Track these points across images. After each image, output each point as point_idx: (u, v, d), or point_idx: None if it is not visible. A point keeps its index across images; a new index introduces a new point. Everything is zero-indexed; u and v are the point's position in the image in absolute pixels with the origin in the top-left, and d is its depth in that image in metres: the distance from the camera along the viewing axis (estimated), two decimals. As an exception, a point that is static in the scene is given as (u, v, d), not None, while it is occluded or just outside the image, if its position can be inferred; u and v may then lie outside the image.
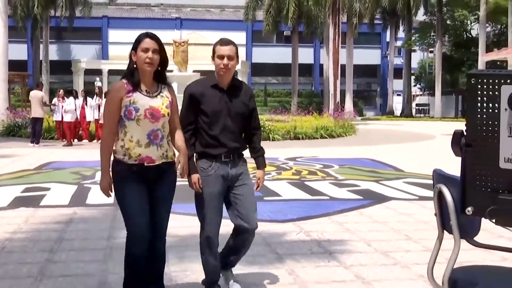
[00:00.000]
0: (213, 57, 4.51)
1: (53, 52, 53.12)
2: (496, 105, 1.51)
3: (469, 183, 1.60)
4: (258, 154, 4.76)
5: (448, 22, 53.09)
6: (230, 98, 4.52)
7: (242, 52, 56.88)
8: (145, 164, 4.14)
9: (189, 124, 4.51)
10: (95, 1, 48.16)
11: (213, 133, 4.47)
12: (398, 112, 56.29)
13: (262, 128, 23.45)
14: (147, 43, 4.09)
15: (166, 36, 47.48)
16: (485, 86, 1.52)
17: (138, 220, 4.18)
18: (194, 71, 32.35)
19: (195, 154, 4.54)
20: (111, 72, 47.47)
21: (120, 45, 55.32)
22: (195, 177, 4.45)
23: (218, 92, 4.50)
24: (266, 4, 46.51)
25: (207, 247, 4.63)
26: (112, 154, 4.25)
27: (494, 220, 1.59)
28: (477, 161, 1.57)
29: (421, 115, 56.34)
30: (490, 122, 1.52)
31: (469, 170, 1.60)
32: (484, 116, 1.53)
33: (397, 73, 55.64)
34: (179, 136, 4.36)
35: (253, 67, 54.77)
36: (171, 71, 32.06)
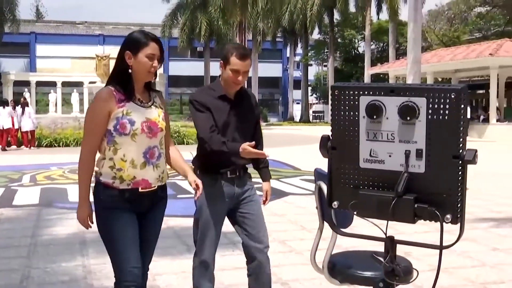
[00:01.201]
0: (224, 65, 3.52)
1: (-16, 65, 50.93)
2: (356, 113, 1.55)
3: (335, 181, 1.64)
4: (263, 165, 3.92)
5: (339, 40, 54.31)
6: (238, 109, 3.60)
7: (159, 65, 56.55)
8: (140, 189, 3.01)
9: (212, 126, 3.48)
10: (23, 18, 46.43)
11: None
12: (297, 118, 57.03)
13: (177, 134, 22.79)
14: (153, 48, 3.01)
15: (90, 51, 46.66)
16: (346, 97, 1.56)
17: (133, 264, 3.02)
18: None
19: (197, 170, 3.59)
20: (38, 84, 46.19)
21: (47, 58, 53.74)
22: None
23: (226, 103, 3.56)
24: (181, 23, 46.23)
25: (203, 271, 3.76)
26: (95, 178, 3.08)
27: (355, 212, 1.64)
28: (341, 162, 1.61)
29: (317, 120, 57.36)
30: (351, 128, 1.56)
31: (334, 170, 1.63)
32: (346, 123, 1.57)
33: (296, 84, 56.49)
34: (175, 152, 3.34)
35: (170, 79, 54.31)
36: (95, 82, 31.43)
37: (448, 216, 1.49)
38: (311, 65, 58.78)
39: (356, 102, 1.53)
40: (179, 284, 4.88)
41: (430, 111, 1.47)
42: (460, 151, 1.47)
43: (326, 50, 53.40)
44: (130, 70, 3.02)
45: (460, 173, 1.48)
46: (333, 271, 2.68)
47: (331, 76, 48.90)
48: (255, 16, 40.46)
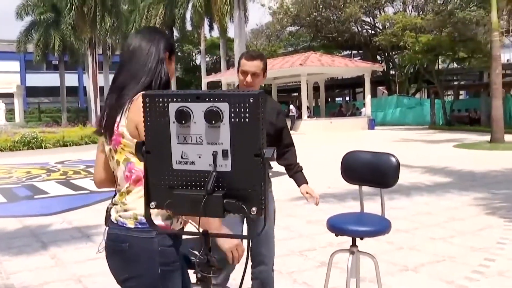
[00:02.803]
0: (237, 70, 3.07)
1: None
2: (167, 119, 1.41)
3: (151, 183, 1.48)
4: (295, 171, 3.27)
5: (179, 54, 54.08)
6: None
7: (17, 78, 52.37)
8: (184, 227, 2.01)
9: None
10: None
11: None
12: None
13: (35, 139, 20.82)
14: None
15: None
16: (157, 104, 1.42)
17: None
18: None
19: None
20: None
21: None
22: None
23: None
24: (35, 39, 43.11)
25: None
26: (137, 223, 1.96)
27: (171, 211, 1.51)
28: (155, 165, 1.47)
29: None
30: (163, 133, 1.42)
31: (150, 172, 1.48)
32: (159, 128, 1.43)
33: (145, 92, 55.51)
34: None
35: (28, 90, 50.55)
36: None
37: (254, 209, 1.40)
38: (156, 75, 58.01)
39: (166, 109, 1.39)
40: (33, 281, 4.43)
41: (232, 115, 1.37)
42: (260, 149, 1.39)
43: (168, 62, 52.92)
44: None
45: (262, 169, 1.40)
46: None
47: (174, 84, 48.55)
48: (104, 33, 38.86)
